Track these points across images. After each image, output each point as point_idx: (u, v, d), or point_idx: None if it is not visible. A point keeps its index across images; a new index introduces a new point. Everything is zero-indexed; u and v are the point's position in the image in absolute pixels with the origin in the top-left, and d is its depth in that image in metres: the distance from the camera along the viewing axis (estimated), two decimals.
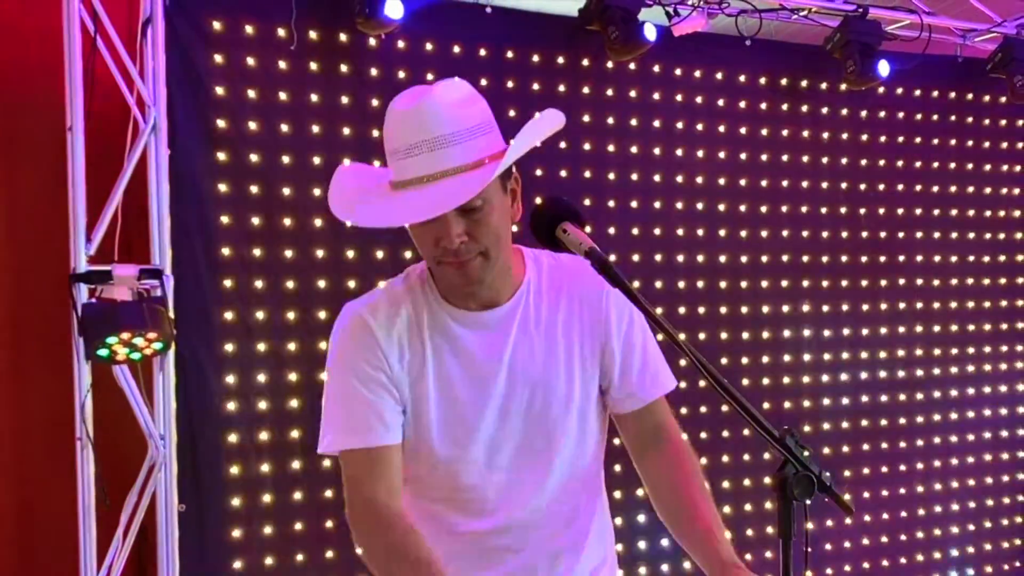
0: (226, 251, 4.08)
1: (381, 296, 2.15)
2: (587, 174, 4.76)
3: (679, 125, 4.98)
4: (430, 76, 4.41)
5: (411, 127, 1.91)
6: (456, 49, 4.49)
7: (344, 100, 4.28)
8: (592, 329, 2.19)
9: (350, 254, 4.28)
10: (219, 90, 4.05)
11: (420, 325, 2.11)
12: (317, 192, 4.21)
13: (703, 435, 5.00)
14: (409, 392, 2.11)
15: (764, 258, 5.18)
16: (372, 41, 4.28)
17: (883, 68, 4.95)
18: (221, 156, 4.06)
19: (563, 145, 4.68)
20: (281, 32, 4.13)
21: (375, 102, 4.32)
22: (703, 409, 4.97)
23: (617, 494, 4.63)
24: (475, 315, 2.12)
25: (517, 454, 2.16)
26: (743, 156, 5.12)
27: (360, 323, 2.10)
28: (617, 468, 4.65)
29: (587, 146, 4.76)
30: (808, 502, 1.75)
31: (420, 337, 2.11)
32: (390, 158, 1.96)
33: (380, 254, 4.32)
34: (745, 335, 5.15)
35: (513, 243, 2.16)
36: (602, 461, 2.33)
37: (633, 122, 4.86)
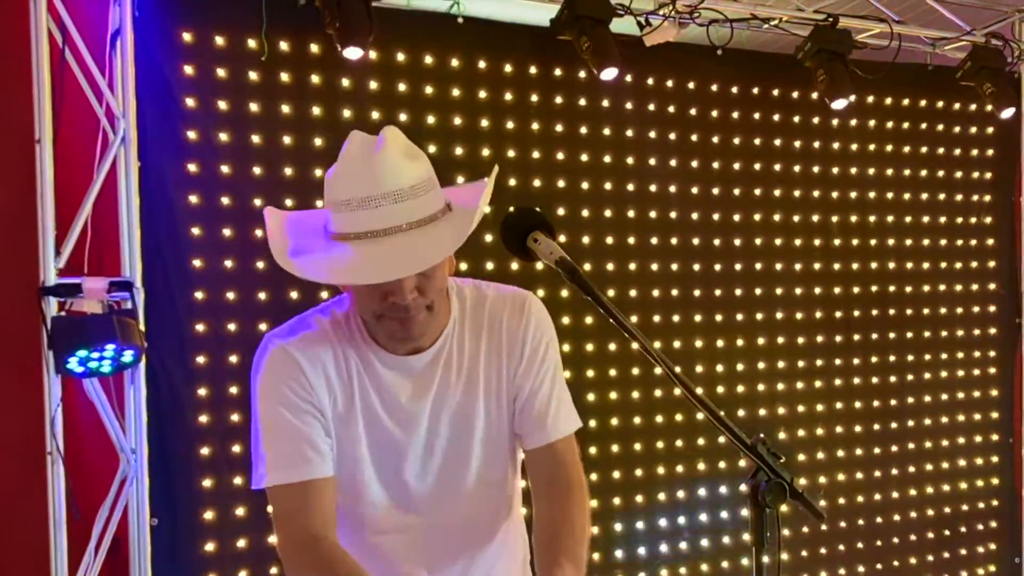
0: (197, 263, 4.05)
1: (306, 329, 2.11)
2: (560, 184, 4.76)
3: (652, 134, 4.98)
4: (402, 87, 4.41)
5: (369, 177, 1.89)
6: (428, 59, 4.48)
7: (316, 111, 4.26)
8: (509, 363, 2.20)
9: None
10: (189, 101, 4.03)
11: (348, 364, 2.09)
12: (289, 203, 4.19)
13: (679, 443, 5.00)
14: (335, 431, 2.09)
15: (738, 266, 5.20)
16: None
17: (839, 105, 4.99)
18: (192, 168, 4.03)
19: (536, 155, 4.68)
20: (252, 43, 4.11)
21: (347, 113, 4.31)
22: (678, 417, 4.98)
23: (594, 503, 4.63)
24: (402, 359, 2.11)
25: (439, 493, 2.17)
26: (716, 165, 5.14)
27: (284, 355, 2.06)
28: (594, 477, 4.68)
29: (560, 155, 4.76)
30: (784, 508, 1.76)
31: (348, 376, 2.09)
32: (339, 207, 1.92)
33: None
34: (720, 343, 5.16)
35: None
36: (517, 487, 2.33)
37: (606, 132, 4.87)
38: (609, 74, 4.45)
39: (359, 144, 1.95)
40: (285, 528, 2.03)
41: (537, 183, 4.70)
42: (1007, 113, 5.38)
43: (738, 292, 5.20)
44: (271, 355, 2.08)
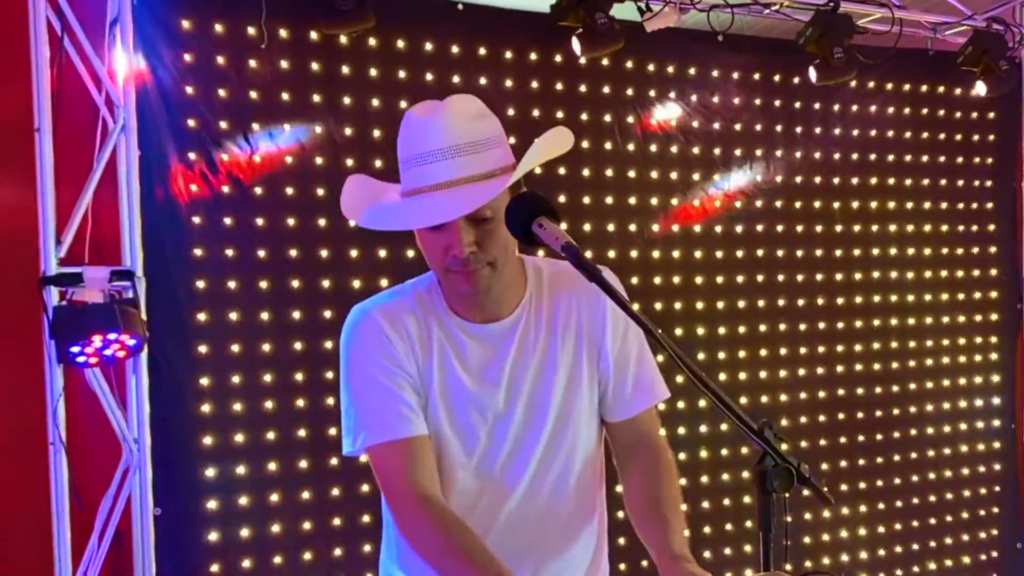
0: (198, 252, 4.04)
1: (391, 299, 2.21)
2: (561, 171, 4.74)
3: (653, 121, 4.97)
4: (402, 74, 4.39)
5: (427, 136, 1.98)
6: (428, 46, 4.46)
7: (316, 99, 4.25)
8: (590, 336, 2.24)
9: (323, 254, 4.25)
10: (189, 90, 4.01)
11: (429, 332, 2.16)
12: (290, 191, 4.18)
13: (681, 430, 5.00)
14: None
15: (739, 253, 5.19)
16: (343, 39, 4.25)
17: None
18: (192, 156, 4.02)
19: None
20: (251, 31, 4.09)
21: (347, 100, 4.29)
22: (680, 405, 4.96)
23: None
24: (480, 327, 2.17)
25: (513, 459, 2.20)
26: (716, 151, 5.12)
27: (371, 322, 2.15)
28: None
29: None
30: (787, 495, 1.75)
31: (428, 343, 2.16)
32: (403, 167, 2.03)
33: (354, 253, 4.29)
34: (722, 330, 5.15)
35: None
36: (599, 467, 2.35)
37: (607, 118, 4.85)
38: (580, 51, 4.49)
39: (423, 106, 2.06)
40: (393, 487, 2.11)
41: (538, 170, 4.61)
42: (981, 88, 5.35)
43: (740, 279, 5.19)
44: (357, 324, 2.18)
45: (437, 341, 2.16)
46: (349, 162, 4.27)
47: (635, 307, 1.90)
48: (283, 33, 4.17)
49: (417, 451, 2.10)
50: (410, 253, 4.36)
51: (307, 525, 4.21)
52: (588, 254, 1.91)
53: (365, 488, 4.28)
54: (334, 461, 4.24)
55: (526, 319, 2.20)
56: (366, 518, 4.28)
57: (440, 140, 1.97)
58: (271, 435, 4.15)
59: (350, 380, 2.17)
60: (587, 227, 4.78)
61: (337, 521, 4.26)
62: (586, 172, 4.81)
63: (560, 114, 4.74)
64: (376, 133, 4.34)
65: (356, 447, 2.13)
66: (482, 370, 2.17)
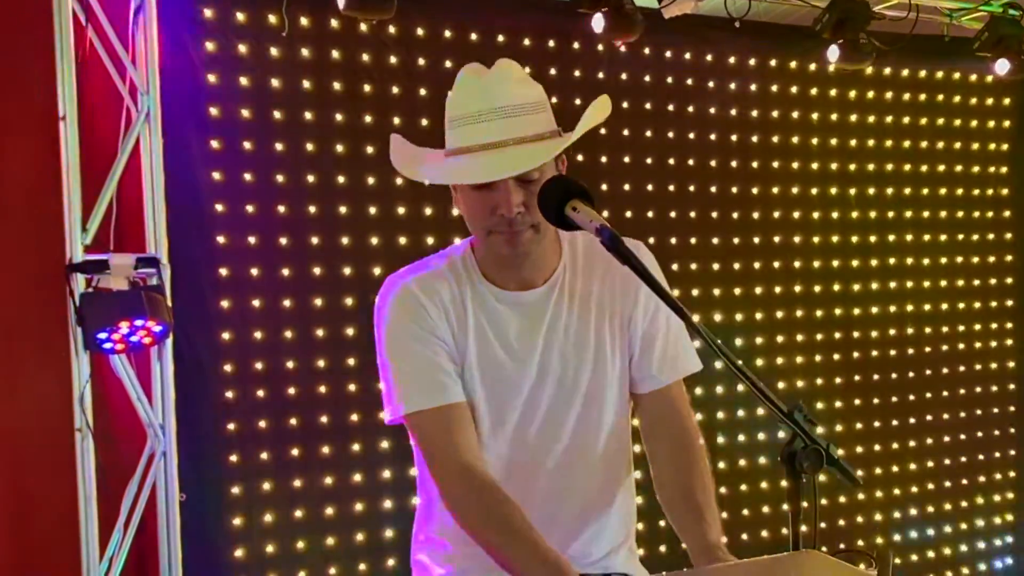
0: (221, 239, 4.06)
1: (424, 269, 2.21)
2: (580, 157, 4.73)
3: (670, 107, 4.98)
4: (421, 61, 4.41)
5: (479, 96, 2.02)
6: (447, 34, 4.47)
7: (336, 86, 4.27)
8: (623, 305, 2.26)
9: (344, 241, 4.28)
10: (211, 77, 4.03)
11: (464, 300, 2.18)
12: (311, 179, 4.20)
13: (699, 416, 5.00)
14: None
15: (756, 239, 5.20)
16: (363, 27, 4.27)
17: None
18: (215, 144, 4.05)
19: None
20: (272, 19, 4.11)
21: (367, 88, 4.31)
22: (698, 391, 4.98)
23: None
24: (514, 294, 2.18)
25: (545, 430, 2.21)
26: (734, 138, 5.13)
27: (407, 292, 2.16)
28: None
29: None
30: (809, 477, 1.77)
31: (464, 312, 2.17)
32: (452, 124, 2.06)
33: (375, 240, 4.32)
34: (739, 316, 5.17)
35: None
36: (628, 444, 2.36)
37: (624, 105, 4.86)
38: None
39: (473, 68, 2.11)
40: (434, 456, 2.12)
41: None
42: (1002, 67, 5.30)
43: (757, 265, 5.20)
44: (394, 294, 2.18)
45: (472, 311, 2.17)
46: (370, 149, 4.29)
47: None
48: (304, 21, 4.18)
49: (456, 417, 2.11)
50: (430, 240, 4.39)
51: (329, 511, 4.24)
52: None
53: (387, 474, 4.31)
54: (356, 447, 4.27)
55: (559, 289, 2.21)
56: (388, 504, 4.31)
57: (493, 100, 2.01)
58: (294, 421, 4.18)
59: (387, 350, 2.17)
60: (604, 213, 4.78)
61: (359, 507, 4.29)
62: (604, 159, 4.82)
63: (578, 100, 4.74)
64: (396, 120, 4.35)
65: (396, 416, 2.14)
66: (516, 342, 2.18)
